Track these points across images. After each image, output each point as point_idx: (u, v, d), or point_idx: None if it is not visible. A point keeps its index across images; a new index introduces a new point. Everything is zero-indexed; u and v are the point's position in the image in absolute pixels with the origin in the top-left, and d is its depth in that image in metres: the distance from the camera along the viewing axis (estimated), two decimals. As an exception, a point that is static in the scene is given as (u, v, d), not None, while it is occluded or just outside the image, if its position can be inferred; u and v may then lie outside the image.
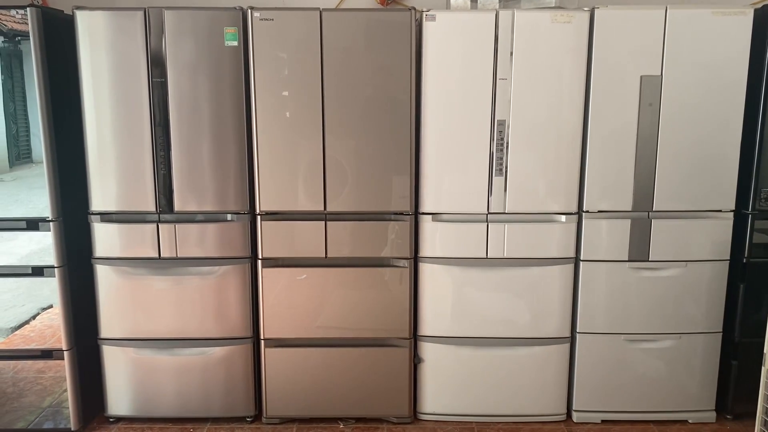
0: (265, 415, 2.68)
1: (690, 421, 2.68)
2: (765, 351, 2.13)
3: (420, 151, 2.49)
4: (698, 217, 2.51)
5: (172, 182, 2.48)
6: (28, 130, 2.52)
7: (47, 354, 2.55)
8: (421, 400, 2.69)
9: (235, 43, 2.38)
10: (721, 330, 2.61)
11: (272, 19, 2.36)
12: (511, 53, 2.39)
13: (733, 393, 2.64)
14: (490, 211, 2.51)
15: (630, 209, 2.50)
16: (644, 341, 2.60)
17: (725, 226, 2.52)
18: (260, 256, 2.55)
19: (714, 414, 2.68)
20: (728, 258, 2.55)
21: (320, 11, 2.36)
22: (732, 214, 2.52)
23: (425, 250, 2.56)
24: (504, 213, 2.51)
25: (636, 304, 2.57)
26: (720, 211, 2.51)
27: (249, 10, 2.36)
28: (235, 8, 2.37)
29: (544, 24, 2.38)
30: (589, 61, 2.40)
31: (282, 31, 2.37)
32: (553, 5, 2.53)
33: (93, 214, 2.52)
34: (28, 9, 2.29)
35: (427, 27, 2.39)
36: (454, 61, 2.42)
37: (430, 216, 2.53)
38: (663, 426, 2.67)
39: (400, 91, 2.42)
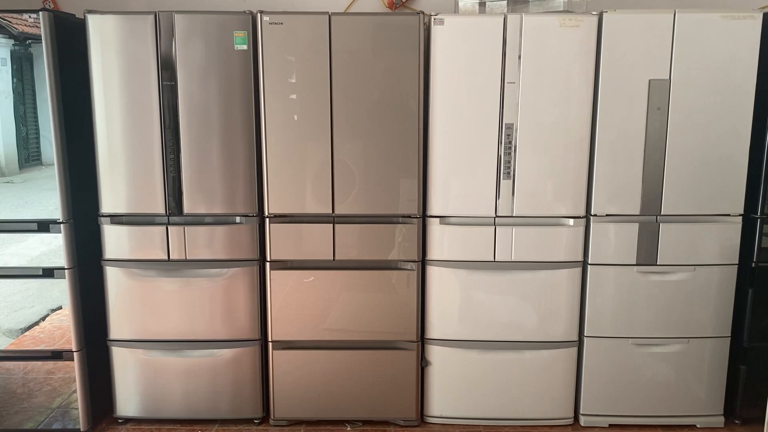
0: (272, 417, 2.69)
1: (698, 425, 2.67)
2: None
3: (428, 154, 2.50)
4: (707, 221, 2.50)
5: (182, 185, 2.49)
6: (37, 133, 2.54)
7: (57, 355, 2.57)
8: (428, 403, 2.69)
9: (245, 47, 2.39)
10: (730, 334, 2.60)
11: (281, 23, 2.38)
12: (520, 57, 2.40)
13: (741, 398, 2.63)
14: (497, 215, 2.52)
15: (638, 213, 2.50)
16: (652, 345, 2.59)
17: (734, 230, 2.52)
18: (268, 259, 2.56)
19: (722, 419, 2.67)
20: (737, 262, 2.54)
21: (329, 15, 2.37)
22: (741, 218, 2.51)
23: (433, 253, 2.57)
24: (512, 216, 2.52)
25: (644, 308, 2.56)
26: (728, 215, 2.51)
27: (258, 14, 2.38)
28: (244, 12, 2.39)
29: (553, 28, 2.38)
30: (598, 64, 2.41)
31: (291, 34, 2.39)
32: (562, 9, 2.54)
33: (103, 216, 2.53)
34: (40, 13, 2.31)
35: (436, 31, 2.40)
36: (463, 65, 2.42)
37: (438, 219, 2.54)
38: (671, 430, 2.66)
39: (409, 94, 2.43)
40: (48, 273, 2.50)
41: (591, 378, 2.63)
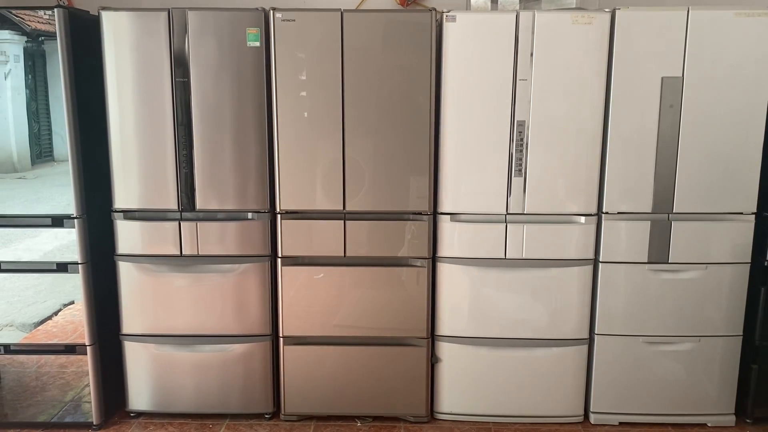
0: (283, 412, 2.70)
1: (709, 424, 2.66)
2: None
3: (439, 152, 2.50)
4: (719, 220, 2.49)
5: (194, 181, 2.51)
6: (50, 129, 2.55)
7: (70, 349, 2.59)
8: (438, 399, 2.70)
9: (258, 44, 2.40)
10: (742, 333, 2.58)
11: (294, 20, 2.38)
12: (532, 54, 2.40)
13: (753, 397, 2.62)
14: (509, 212, 2.52)
15: (650, 211, 2.49)
16: (663, 343, 2.59)
17: (746, 228, 2.50)
18: (279, 255, 2.57)
19: (733, 418, 2.66)
20: (749, 261, 2.53)
21: (341, 12, 2.38)
22: (753, 216, 2.50)
23: (443, 250, 2.57)
24: (523, 214, 2.51)
25: (655, 307, 2.56)
26: (741, 213, 2.49)
27: (271, 11, 2.38)
28: (257, 9, 2.40)
29: (565, 25, 2.37)
30: (610, 62, 2.40)
31: (303, 31, 2.39)
32: (574, 6, 2.53)
33: (116, 211, 2.55)
34: (55, 10, 2.32)
35: (448, 28, 2.40)
36: (474, 62, 2.42)
37: (449, 216, 2.54)
38: (681, 429, 2.65)
39: (420, 91, 2.43)
40: (61, 268, 2.52)
41: (601, 376, 2.63)
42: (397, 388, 2.66)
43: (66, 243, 2.52)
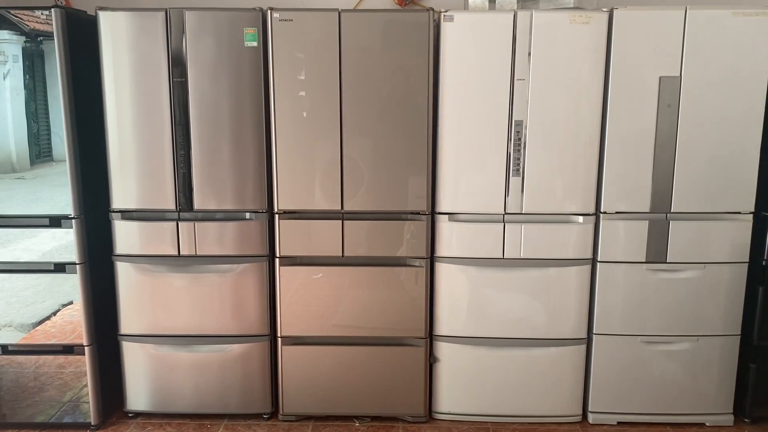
0: (281, 412, 2.70)
1: (707, 424, 2.66)
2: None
3: (437, 151, 2.50)
4: (717, 219, 2.49)
5: (192, 181, 2.51)
6: (48, 129, 2.55)
7: (68, 349, 2.59)
8: (436, 399, 2.70)
9: (255, 44, 2.40)
10: (740, 333, 2.58)
11: (291, 20, 2.38)
12: (529, 54, 2.39)
13: (751, 396, 2.62)
14: (507, 212, 2.52)
15: (648, 210, 2.49)
16: (661, 343, 2.59)
17: (744, 228, 2.50)
18: (278, 255, 2.57)
19: (732, 417, 2.66)
20: (747, 260, 2.53)
21: (339, 12, 2.38)
22: (751, 216, 2.50)
23: (441, 249, 2.57)
24: (521, 213, 2.51)
25: (653, 306, 2.56)
26: (739, 213, 2.49)
27: (269, 11, 2.38)
28: (254, 9, 2.40)
29: (563, 25, 2.37)
30: (608, 61, 2.40)
31: (301, 31, 2.39)
32: (572, 6, 2.53)
33: (114, 211, 2.55)
34: (52, 10, 2.32)
35: (445, 27, 2.40)
36: (472, 62, 2.42)
37: (447, 216, 2.54)
38: (680, 429, 2.65)
39: (418, 91, 2.43)
40: (59, 268, 2.52)
41: (600, 375, 2.63)
42: (395, 388, 2.66)
43: (64, 243, 2.52)
